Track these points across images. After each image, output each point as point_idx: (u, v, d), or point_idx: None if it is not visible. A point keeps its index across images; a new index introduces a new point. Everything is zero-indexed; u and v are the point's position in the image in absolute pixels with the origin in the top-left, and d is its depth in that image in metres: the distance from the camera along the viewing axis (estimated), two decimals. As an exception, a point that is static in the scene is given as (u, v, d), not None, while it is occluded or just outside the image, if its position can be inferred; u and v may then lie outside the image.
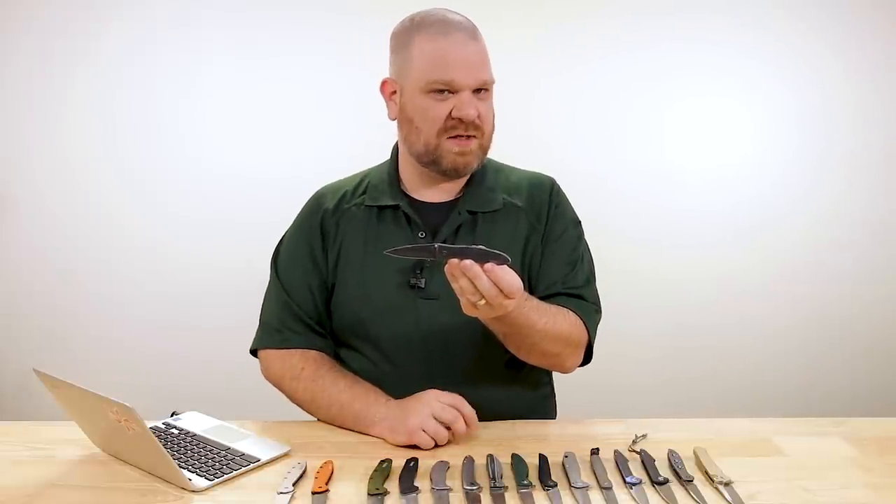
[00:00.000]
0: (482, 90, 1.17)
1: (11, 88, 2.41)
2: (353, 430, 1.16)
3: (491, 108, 1.21)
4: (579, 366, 1.25)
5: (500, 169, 1.33)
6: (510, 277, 0.97)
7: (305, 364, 1.23)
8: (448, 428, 1.09)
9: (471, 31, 1.17)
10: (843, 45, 2.40)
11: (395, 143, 1.31)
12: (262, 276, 1.34)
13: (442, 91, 1.14)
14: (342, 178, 1.36)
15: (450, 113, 1.15)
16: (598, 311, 1.27)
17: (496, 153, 1.36)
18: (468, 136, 1.17)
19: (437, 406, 1.09)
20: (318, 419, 1.22)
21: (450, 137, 1.16)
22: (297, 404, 1.25)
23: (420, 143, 1.19)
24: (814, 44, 2.41)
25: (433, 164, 1.20)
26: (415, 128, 1.18)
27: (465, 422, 1.10)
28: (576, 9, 2.38)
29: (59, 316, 2.48)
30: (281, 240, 1.34)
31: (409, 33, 1.18)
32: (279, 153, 2.43)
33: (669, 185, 2.45)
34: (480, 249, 0.97)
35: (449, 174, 1.21)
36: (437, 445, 1.09)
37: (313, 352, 1.25)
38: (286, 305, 1.27)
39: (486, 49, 1.19)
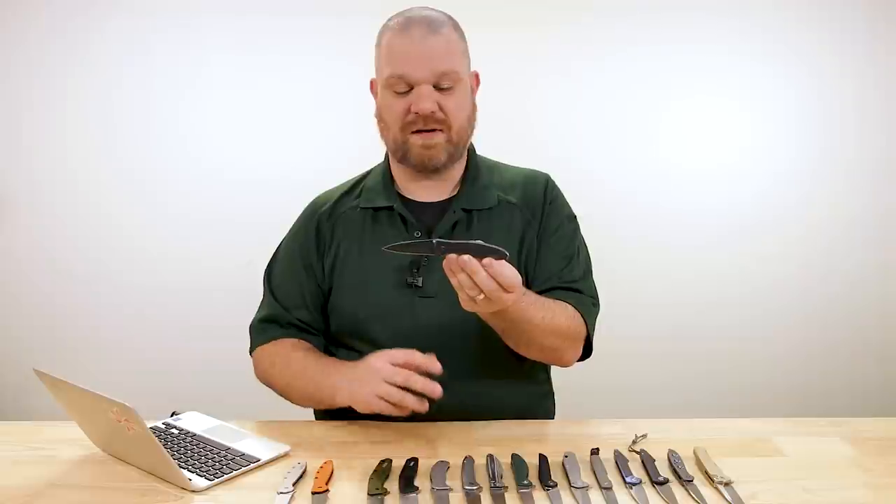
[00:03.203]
0: (446, 85, 1.16)
1: (11, 88, 2.41)
2: (326, 406, 1.17)
3: (460, 101, 1.19)
4: (579, 359, 1.25)
5: (493, 167, 1.33)
6: (509, 272, 0.98)
7: (282, 348, 1.25)
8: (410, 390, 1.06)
9: (433, 26, 1.16)
10: (842, 45, 2.40)
11: None
12: (261, 276, 1.35)
13: (401, 88, 1.16)
14: (336, 185, 1.38)
15: (409, 108, 1.16)
16: (596, 304, 1.27)
17: (494, 151, 1.36)
18: (431, 130, 1.18)
19: (388, 371, 1.07)
20: (294, 401, 1.23)
21: (413, 132, 1.18)
22: (280, 393, 1.25)
23: (389, 140, 1.22)
24: (813, 44, 2.40)
25: (404, 160, 1.22)
26: (384, 124, 1.22)
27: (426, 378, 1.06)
28: (574, 8, 2.38)
29: (59, 316, 2.48)
30: (277, 249, 1.36)
31: (380, 34, 1.22)
32: (279, 153, 2.43)
33: (668, 184, 2.45)
34: (479, 244, 0.97)
35: (419, 168, 1.22)
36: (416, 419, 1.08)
37: (293, 339, 1.26)
38: (274, 309, 1.29)
39: (452, 43, 1.18)
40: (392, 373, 1.06)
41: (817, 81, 2.42)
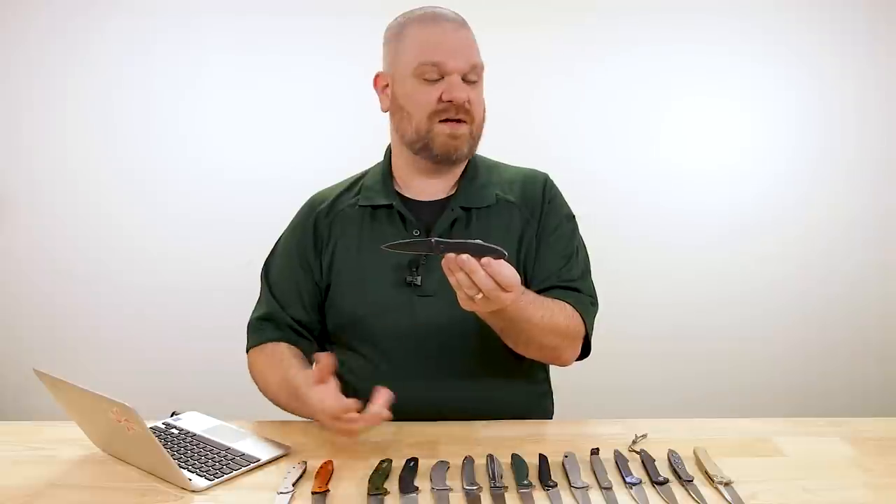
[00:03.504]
0: (473, 78, 1.18)
1: (11, 88, 2.41)
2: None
3: (481, 96, 1.22)
4: (578, 359, 1.25)
5: (492, 166, 1.33)
6: (507, 271, 0.98)
7: (270, 357, 1.24)
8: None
9: (459, 22, 1.21)
10: (843, 46, 2.40)
11: (388, 144, 1.32)
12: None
13: (432, 76, 1.16)
14: (335, 183, 1.37)
15: (440, 97, 1.16)
16: (595, 303, 1.27)
17: (496, 151, 1.36)
18: (458, 121, 1.18)
19: (338, 426, 1.04)
20: (284, 409, 1.22)
21: (441, 121, 1.18)
22: (269, 399, 1.24)
23: (412, 129, 1.20)
24: (814, 45, 2.41)
25: (424, 150, 1.21)
26: (406, 114, 1.20)
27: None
28: (576, 8, 2.38)
29: (59, 316, 2.48)
30: (275, 245, 1.36)
31: (400, 26, 1.22)
32: (279, 153, 2.43)
33: (669, 185, 2.45)
34: (477, 244, 0.97)
35: (440, 159, 1.21)
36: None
37: (283, 344, 1.26)
38: (270, 307, 1.29)
39: (474, 39, 1.22)
40: (344, 430, 1.03)
41: (818, 82, 2.42)
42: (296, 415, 1.18)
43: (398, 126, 1.24)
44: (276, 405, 1.23)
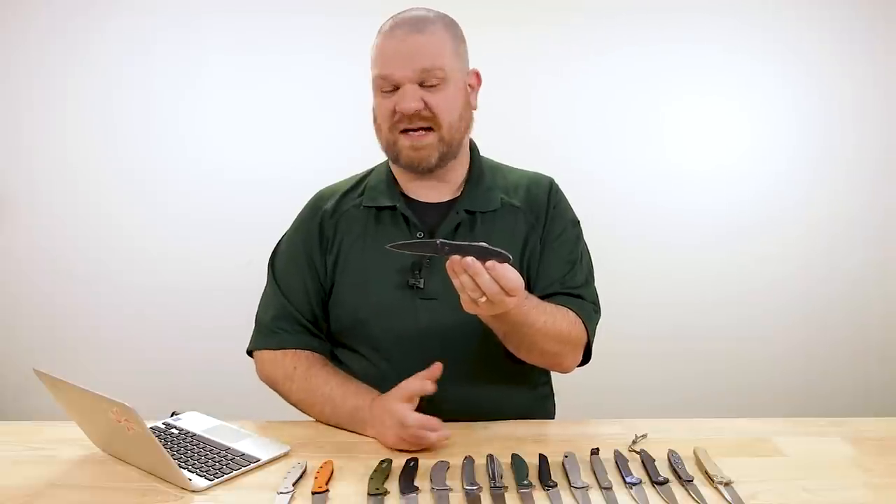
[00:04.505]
0: (432, 82, 1.16)
1: (11, 88, 2.41)
2: (348, 430, 1.17)
3: (448, 99, 1.18)
4: (578, 365, 1.25)
5: (497, 168, 1.33)
6: (512, 275, 0.97)
7: (297, 364, 1.23)
8: None
9: (419, 25, 1.16)
10: (842, 45, 2.40)
11: None
12: (262, 276, 1.35)
13: (388, 88, 1.17)
14: (341, 180, 1.37)
15: (395, 107, 1.17)
16: (597, 310, 1.27)
17: (494, 152, 1.36)
18: (424, 130, 1.17)
19: (408, 433, 1.08)
20: (314, 419, 1.23)
21: (402, 132, 1.18)
22: (293, 405, 1.25)
23: (382, 141, 1.23)
24: (813, 43, 2.41)
25: (396, 161, 1.23)
26: (378, 126, 1.22)
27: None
28: (575, 8, 2.38)
29: (60, 316, 2.48)
30: (279, 242, 1.35)
31: (376, 36, 1.22)
32: (279, 153, 2.43)
33: (668, 184, 2.45)
34: (482, 247, 0.97)
35: (410, 169, 1.22)
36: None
37: (306, 352, 1.25)
38: (281, 307, 1.27)
39: (438, 40, 1.17)
40: (412, 437, 1.08)
41: (816, 81, 2.42)
42: (337, 426, 1.19)
43: (376, 136, 1.25)
44: (306, 413, 1.23)
